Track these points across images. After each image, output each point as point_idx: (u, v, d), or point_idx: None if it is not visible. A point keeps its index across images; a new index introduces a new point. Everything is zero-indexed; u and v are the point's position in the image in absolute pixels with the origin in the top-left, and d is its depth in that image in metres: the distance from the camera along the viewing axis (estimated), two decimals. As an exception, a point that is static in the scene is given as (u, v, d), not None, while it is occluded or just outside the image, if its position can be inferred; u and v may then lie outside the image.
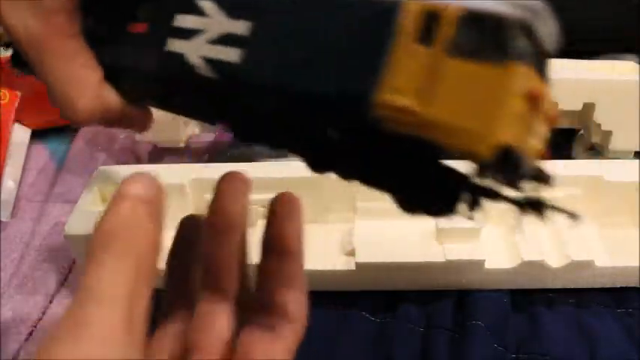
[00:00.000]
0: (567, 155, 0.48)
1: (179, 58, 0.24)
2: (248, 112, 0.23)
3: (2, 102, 0.48)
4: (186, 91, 0.25)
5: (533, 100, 0.18)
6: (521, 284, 0.37)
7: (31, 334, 0.37)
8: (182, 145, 0.49)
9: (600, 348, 0.34)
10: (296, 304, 0.22)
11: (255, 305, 0.23)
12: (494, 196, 0.20)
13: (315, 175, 0.23)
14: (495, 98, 0.17)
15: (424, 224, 0.37)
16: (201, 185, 0.39)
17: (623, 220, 0.40)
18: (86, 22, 0.27)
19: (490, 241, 0.38)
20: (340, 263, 0.37)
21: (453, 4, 0.18)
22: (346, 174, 0.22)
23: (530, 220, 0.19)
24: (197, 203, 0.40)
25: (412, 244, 0.37)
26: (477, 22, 0.18)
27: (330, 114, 0.20)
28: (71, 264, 0.41)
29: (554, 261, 0.36)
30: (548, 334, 0.35)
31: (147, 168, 0.42)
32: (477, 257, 0.36)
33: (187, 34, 0.24)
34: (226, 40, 0.22)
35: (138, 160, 0.49)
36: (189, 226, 0.26)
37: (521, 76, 0.17)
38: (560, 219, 0.19)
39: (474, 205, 0.20)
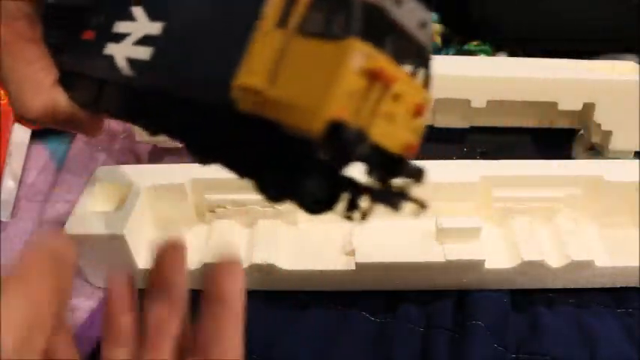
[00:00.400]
0: (567, 155, 0.48)
1: (110, 60, 0.25)
2: (155, 105, 0.24)
3: (2, 102, 0.48)
4: (119, 93, 0.26)
5: (375, 79, 0.17)
6: (521, 284, 0.37)
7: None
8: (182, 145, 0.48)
9: (600, 348, 0.34)
10: (232, 354, 0.23)
11: (193, 349, 0.23)
12: (349, 184, 0.20)
13: None
14: (329, 74, 0.17)
15: (424, 224, 0.37)
16: (201, 185, 0.39)
17: (623, 220, 0.40)
18: (47, 30, 0.29)
19: (490, 241, 0.38)
20: (340, 263, 0.37)
21: None
22: (231, 166, 0.22)
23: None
24: (197, 203, 0.40)
25: (412, 244, 0.37)
26: (324, 2, 0.18)
27: (199, 101, 0.21)
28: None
29: (554, 261, 0.36)
30: (548, 334, 0.35)
31: (147, 168, 0.42)
32: (477, 257, 0.36)
33: (119, 38, 0.25)
34: (145, 40, 0.24)
35: (138, 160, 0.49)
36: (120, 284, 0.25)
37: (358, 52, 0.17)
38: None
39: (351, 204, 0.20)
